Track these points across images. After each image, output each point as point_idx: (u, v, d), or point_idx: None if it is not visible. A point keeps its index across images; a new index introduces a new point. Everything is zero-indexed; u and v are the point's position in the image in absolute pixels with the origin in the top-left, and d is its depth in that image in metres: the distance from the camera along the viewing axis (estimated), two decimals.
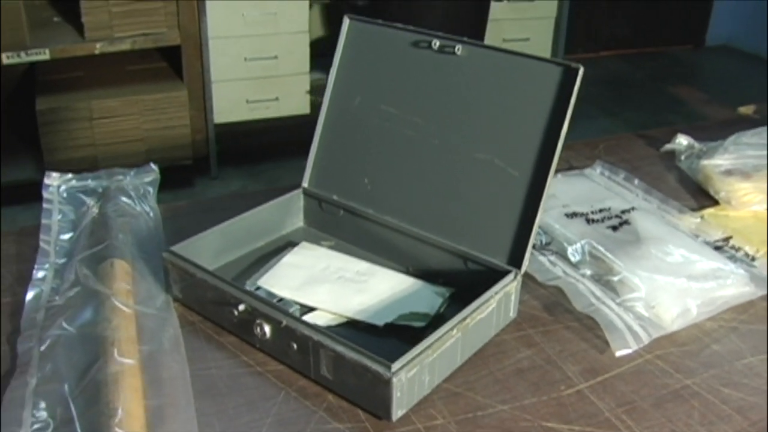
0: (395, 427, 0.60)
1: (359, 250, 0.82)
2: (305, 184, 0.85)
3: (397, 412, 0.60)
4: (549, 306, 0.76)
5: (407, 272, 0.78)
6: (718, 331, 0.74)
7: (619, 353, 0.69)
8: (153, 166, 0.93)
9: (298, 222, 0.87)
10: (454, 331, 0.63)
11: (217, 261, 0.78)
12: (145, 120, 2.44)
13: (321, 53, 2.85)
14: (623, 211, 0.87)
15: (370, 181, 0.82)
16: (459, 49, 0.76)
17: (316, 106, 2.87)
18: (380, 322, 0.70)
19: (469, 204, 0.75)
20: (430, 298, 0.74)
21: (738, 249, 0.83)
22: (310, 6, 2.71)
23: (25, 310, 0.71)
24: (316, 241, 0.84)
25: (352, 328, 0.70)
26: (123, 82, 2.48)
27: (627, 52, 4.60)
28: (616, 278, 0.75)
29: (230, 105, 2.64)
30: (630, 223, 0.85)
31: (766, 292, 0.77)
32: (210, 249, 0.76)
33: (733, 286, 0.76)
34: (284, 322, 0.63)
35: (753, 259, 0.81)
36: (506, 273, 0.71)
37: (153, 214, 0.86)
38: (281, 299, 0.70)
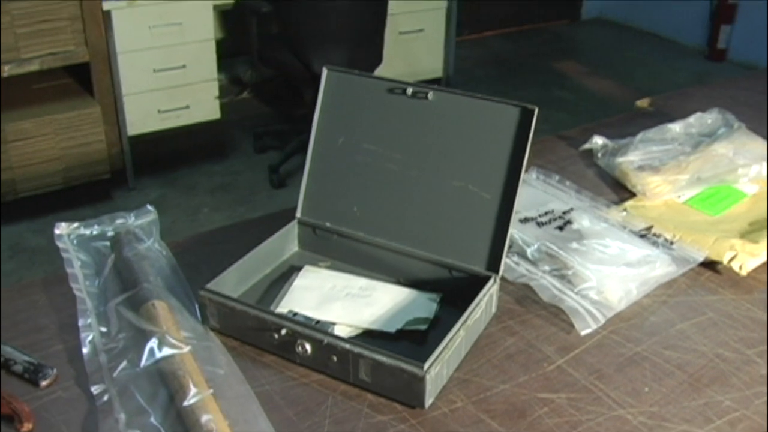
0: (427, 413, 0.77)
1: (354, 268, 0.97)
2: (299, 215, 1.00)
3: (428, 401, 0.77)
4: (520, 300, 0.94)
5: (400, 283, 0.95)
6: (652, 305, 0.94)
7: (583, 332, 0.88)
8: (150, 207, 1.05)
9: (294, 247, 1.01)
10: (461, 331, 0.81)
11: (238, 290, 0.92)
12: (60, 139, 2.48)
13: (223, 55, 2.94)
14: (564, 212, 1.07)
15: (359, 208, 0.97)
16: (430, 95, 0.92)
17: (225, 110, 2.98)
18: (392, 329, 0.86)
19: (450, 223, 0.92)
20: (425, 304, 0.91)
21: (659, 236, 1.04)
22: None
23: (85, 355, 0.82)
24: (313, 262, 0.99)
25: (369, 336, 0.86)
26: (34, 102, 2.50)
27: (509, 31, 4.89)
28: (570, 272, 0.95)
29: (143, 116, 2.70)
30: (572, 222, 1.04)
31: (685, 270, 0.99)
32: (232, 282, 0.90)
33: (660, 268, 0.97)
34: (325, 340, 0.79)
35: (671, 243, 1.03)
36: (486, 278, 0.89)
37: (165, 253, 0.99)
38: (318, 321, 0.85)
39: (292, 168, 2.95)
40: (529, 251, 0.99)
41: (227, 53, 3.14)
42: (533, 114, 0.87)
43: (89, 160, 2.58)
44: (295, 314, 0.86)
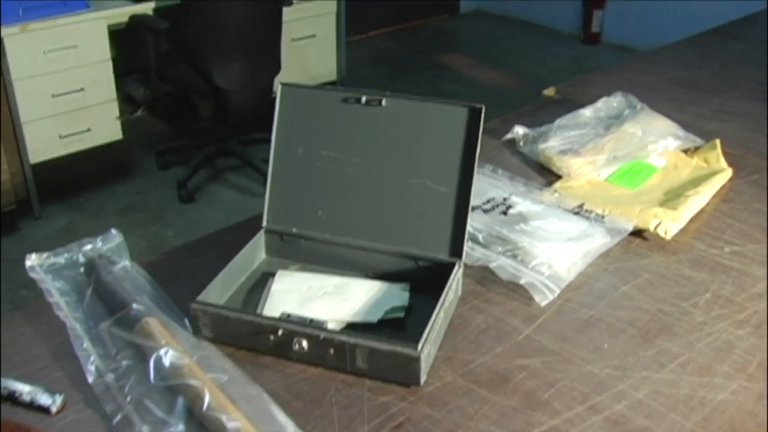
0: (423, 389, 0.85)
1: (323, 268, 1.04)
2: (265, 224, 1.06)
3: (423, 379, 0.85)
4: (481, 281, 1.04)
5: (370, 277, 1.02)
6: (596, 273, 1.06)
7: (543, 303, 0.99)
8: (114, 231, 1.08)
9: (262, 255, 1.07)
10: (440, 313, 0.89)
11: (222, 300, 0.97)
12: None
13: (114, 74, 2.92)
14: (504, 199, 1.17)
15: (324, 212, 1.04)
16: (384, 101, 1.00)
17: (123, 130, 2.95)
18: (374, 319, 0.94)
19: (412, 217, 1.01)
20: (398, 293, 0.99)
21: (590, 212, 1.16)
22: None
23: (91, 379, 0.86)
24: (283, 267, 1.05)
25: (352, 329, 0.94)
26: None
27: (392, 30, 5.03)
28: (521, 251, 1.05)
29: (44, 143, 2.65)
30: (512, 206, 1.15)
31: (618, 240, 1.11)
32: (216, 293, 0.95)
33: (597, 239, 1.09)
34: (322, 336, 0.86)
35: (603, 217, 1.15)
36: (451, 264, 0.98)
37: (140, 272, 1.02)
38: (312, 320, 0.91)
39: (199, 182, 2.96)
40: (480, 237, 1.09)
41: (118, 72, 3.11)
42: (481, 112, 0.97)
43: None
44: (288, 315, 0.92)
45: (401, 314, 0.95)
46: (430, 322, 0.87)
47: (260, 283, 1.02)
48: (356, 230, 1.03)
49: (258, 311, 0.95)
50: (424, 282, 0.99)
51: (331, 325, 0.93)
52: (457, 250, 0.99)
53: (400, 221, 1.01)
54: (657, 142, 1.32)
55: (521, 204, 1.16)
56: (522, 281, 1.01)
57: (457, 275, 0.96)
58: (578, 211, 1.17)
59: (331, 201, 1.04)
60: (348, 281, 1.01)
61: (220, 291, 0.96)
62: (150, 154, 3.18)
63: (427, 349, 0.85)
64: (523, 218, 1.12)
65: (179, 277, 1.03)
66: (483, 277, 1.05)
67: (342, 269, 1.04)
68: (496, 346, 0.92)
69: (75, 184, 2.97)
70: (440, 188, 1.00)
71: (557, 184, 1.26)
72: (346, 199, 1.03)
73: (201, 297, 0.91)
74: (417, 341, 0.84)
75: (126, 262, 1.05)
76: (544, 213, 1.13)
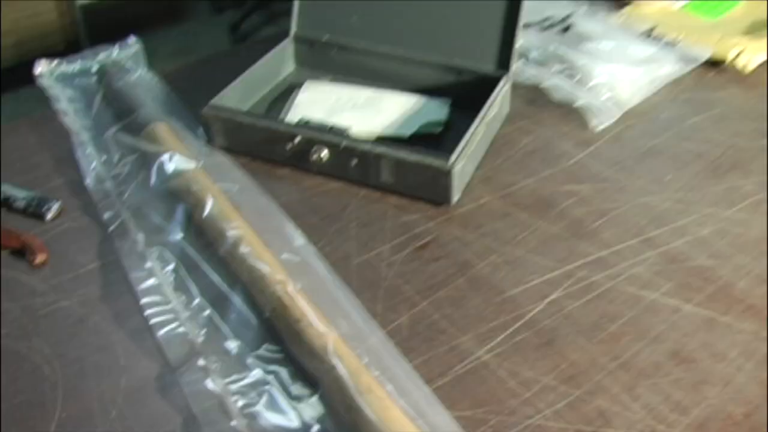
0: (454, 209, 0.74)
1: (357, 80, 0.92)
2: (294, 30, 0.93)
3: (455, 197, 0.74)
4: (532, 101, 0.90)
5: (407, 91, 0.90)
6: (663, 102, 0.91)
7: (599, 128, 0.85)
8: (132, 38, 0.97)
9: (291, 66, 0.95)
10: (480, 127, 0.77)
11: (241, 107, 0.86)
12: (7, 11, 2.31)
13: None
14: (564, 18, 1.02)
15: (358, 17, 0.91)
16: None
17: None
18: (407, 133, 0.82)
19: (455, 22, 0.87)
20: (436, 108, 0.86)
21: (662, 36, 1.00)
22: None
23: (90, 184, 0.77)
24: (314, 79, 0.93)
25: (382, 142, 0.82)
26: None
27: None
28: (579, 72, 0.91)
29: None
30: (573, 26, 1.00)
31: (691, 68, 0.95)
32: (233, 100, 0.84)
33: (667, 65, 0.94)
34: (343, 143, 0.74)
35: (675, 43, 0.99)
36: (497, 78, 0.84)
37: (157, 81, 0.92)
38: (332, 126, 0.80)
39: (254, 25, 2.82)
40: (535, 54, 0.94)
41: None
42: None
43: (41, 33, 2.43)
44: (307, 122, 0.81)
45: (438, 129, 0.83)
46: (467, 134, 0.75)
47: (286, 94, 0.91)
48: (394, 38, 0.89)
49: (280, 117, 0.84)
50: (468, 97, 0.86)
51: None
52: (504, 62, 0.85)
53: (442, 28, 0.87)
54: None
55: (584, 23, 1.00)
56: (578, 103, 0.87)
57: (502, 90, 0.83)
58: (648, 33, 1.01)
59: (365, 4, 0.90)
60: (382, 94, 0.89)
61: (238, 98, 0.85)
62: None
63: (462, 163, 0.73)
64: (584, 38, 0.97)
65: (198, 89, 0.92)
66: (534, 97, 0.91)
67: (377, 81, 0.91)
68: (543, 169, 0.80)
69: (125, 26, 2.85)
70: None
71: (628, 8, 1.10)
72: (383, 2, 0.89)
73: (214, 101, 0.80)
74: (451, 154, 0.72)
75: (142, 71, 0.94)
76: (609, 33, 0.97)
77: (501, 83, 0.83)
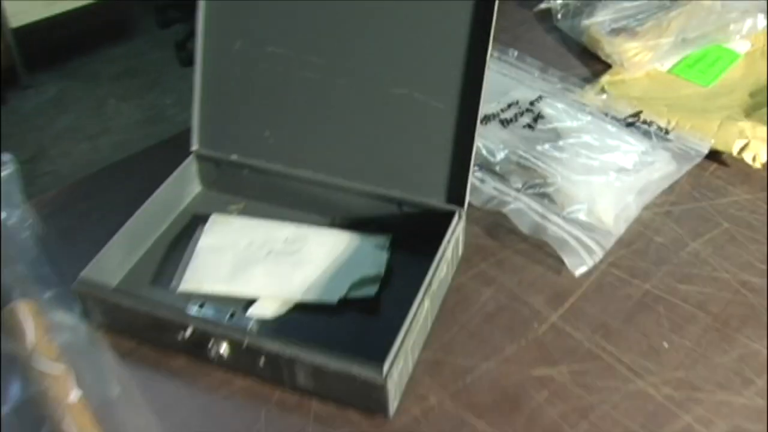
0: (394, 420, 0.56)
1: (276, 208, 0.73)
2: (195, 147, 0.74)
3: (393, 407, 0.56)
4: (491, 230, 0.72)
5: (336, 224, 0.71)
6: (655, 220, 0.73)
7: (578, 272, 0.67)
8: (4, 157, 0.77)
9: (196, 188, 0.76)
10: (425, 302, 0.59)
11: (127, 265, 0.67)
12: None
13: None
14: (532, 103, 0.83)
15: (272, 133, 0.72)
16: None
17: None
18: (333, 300, 0.63)
19: (393, 144, 0.68)
20: (372, 253, 0.68)
21: (650, 123, 0.82)
22: None
23: None
24: (223, 205, 0.74)
25: (304, 310, 0.64)
26: None
27: None
28: (551, 189, 0.72)
29: (24, 4, 2.29)
30: (543, 116, 0.81)
31: (687, 169, 0.77)
32: (116, 258, 0.65)
33: (659, 168, 0.76)
34: (246, 341, 0.56)
35: (667, 132, 0.80)
36: (448, 213, 0.66)
37: (27, 222, 0.72)
38: (233, 313, 0.61)
39: None
40: (496, 161, 0.76)
41: None
42: None
43: None
44: (203, 304, 0.62)
45: (374, 288, 0.65)
46: (406, 322, 0.56)
47: (189, 229, 0.72)
48: (317, 160, 0.70)
49: (175, 282, 0.65)
50: (412, 233, 0.68)
51: (270, 307, 0.63)
52: (457, 194, 0.66)
53: (377, 149, 0.69)
54: (742, 20, 0.95)
55: (554, 112, 0.81)
56: (548, 236, 0.69)
57: (454, 233, 0.65)
58: (633, 122, 0.82)
59: (281, 117, 0.71)
60: (304, 233, 0.70)
61: (124, 251, 0.66)
62: (149, 11, 2.80)
63: (400, 366, 0.55)
64: (555, 135, 0.78)
65: (83, 223, 0.73)
66: (494, 223, 0.73)
67: (301, 210, 0.73)
68: (507, 343, 0.62)
69: (66, 48, 2.62)
70: (434, 102, 0.66)
71: (605, 78, 0.91)
72: (301, 115, 0.70)
73: (88, 271, 0.61)
74: (383, 354, 0.53)
75: (14, 208, 0.74)
76: (586, 127, 0.79)
77: (452, 226, 0.64)
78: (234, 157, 0.73)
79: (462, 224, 0.66)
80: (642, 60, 0.92)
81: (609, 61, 0.94)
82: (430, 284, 0.60)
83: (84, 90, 2.45)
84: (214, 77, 0.72)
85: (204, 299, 0.63)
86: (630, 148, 0.77)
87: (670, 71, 0.93)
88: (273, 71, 0.70)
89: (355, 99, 0.68)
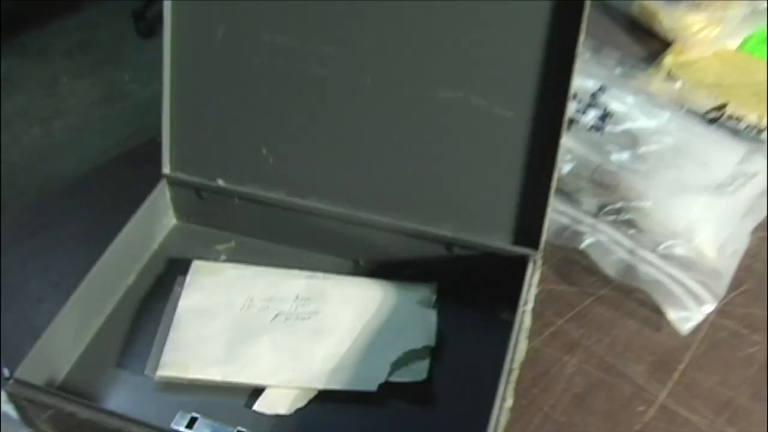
0: None
1: (277, 248, 0.55)
2: (167, 170, 0.55)
3: None
4: (563, 271, 0.55)
5: (359, 271, 0.53)
6: (760, 247, 0.57)
7: (685, 329, 0.50)
8: None
9: (170, 222, 0.57)
10: (508, 398, 0.41)
11: (82, 341, 0.48)
12: None
13: None
14: (593, 95, 0.65)
15: (271, 151, 0.53)
16: None
17: None
18: (371, 387, 0.46)
19: (440, 165, 0.50)
20: (416, 312, 0.50)
21: (738, 119, 0.65)
22: None
23: None
24: (206, 246, 0.56)
25: (329, 400, 0.46)
26: None
27: None
28: (639, 215, 0.55)
29: None
30: (610, 113, 0.63)
31: None
32: (68, 334, 0.47)
33: (762, 181, 0.59)
34: None
35: (759, 131, 0.63)
36: (516, 259, 0.48)
37: None
38: None
39: (160, 12, 2.36)
40: (560, 177, 0.58)
41: None
42: None
43: None
44: (193, 421, 0.43)
45: (423, 372, 0.47)
46: (492, 417, 0.39)
47: (165, 280, 0.53)
48: (332, 186, 0.52)
49: (148, 368, 0.47)
50: (459, 284, 0.51)
51: (283, 402, 0.45)
52: (529, 232, 0.49)
53: (419, 172, 0.51)
54: None
55: (624, 108, 0.63)
56: (643, 281, 0.52)
57: (531, 286, 0.47)
58: (716, 117, 0.65)
59: (282, 131, 0.52)
60: (322, 286, 0.52)
61: (78, 325, 0.48)
62: None
63: None
64: (632, 139, 0.60)
65: (24, 277, 0.54)
66: (568, 261, 0.55)
67: (309, 249, 0.55)
68: None
69: (12, 21, 2.36)
70: (500, 109, 0.48)
71: (668, 59, 0.73)
72: (312, 126, 0.52)
73: (25, 366, 0.43)
74: None
75: None
76: (667, 128, 0.61)
77: (528, 276, 0.47)
78: (220, 182, 0.54)
79: (537, 274, 0.48)
80: (708, 36, 0.74)
81: (667, 37, 0.76)
82: (510, 368, 0.42)
83: (36, 67, 2.20)
84: (189, 77, 0.53)
85: (191, 395, 0.45)
86: (725, 154, 0.59)
87: (741, 47, 0.76)
88: (271, 67, 0.51)
89: (385, 104, 0.50)
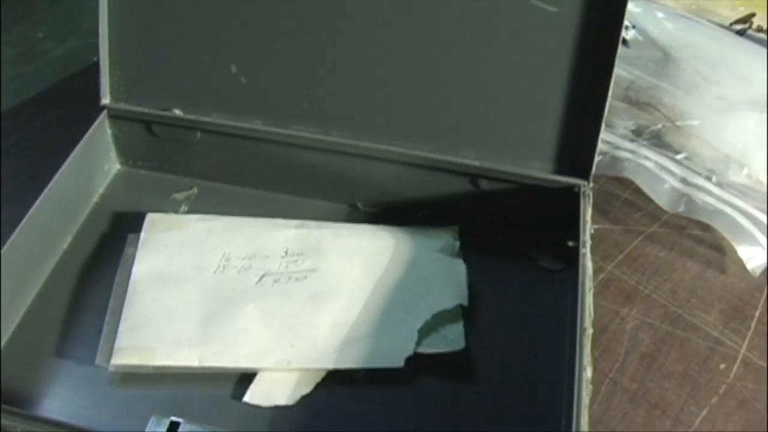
0: None
1: (250, 191, 0.43)
2: (107, 101, 0.42)
3: None
4: (601, 206, 0.44)
5: (360, 217, 0.42)
6: None
7: (758, 269, 0.41)
8: None
9: (113, 166, 0.44)
10: (587, 371, 0.31)
11: (7, 326, 0.35)
12: None
13: None
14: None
15: (242, 69, 0.41)
16: None
17: None
18: (398, 363, 0.34)
19: (460, 76, 0.39)
20: (440, 264, 0.39)
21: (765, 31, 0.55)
22: None
23: None
24: (162, 196, 0.43)
25: (341, 382, 0.35)
26: None
27: None
28: (683, 136, 0.45)
29: None
30: (632, 24, 0.53)
31: None
32: None
33: None
34: None
35: None
36: (559, 191, 0.38)
37: None
38: None
39: None
40: None
41: None
42: None
43: None
44: (176, 426, 0.31)
45: (460, 340, 0.36)
46: (574, 411, 0.29)
47: (111, 241, 0.40)
48: (323, 110, 0.40)
49: (100, 356, 0.34)
50: (490, 224, 0.40)
51: (283, 388, 0.34)
52: (576, 159, 0.38)
53: (431, 87, 0.39)
54: None
55: (645, 15, 0.53)
56: (702, 213, 0.42)
57: (586, 221, 0.37)
58: (743, 29, 0.56)
59: (259, 41, 0.40)
60: (316, 236, 0.40)
61: (8, 297, 0.35)
62: None
63: None
64: (662, 52, 0.50)
65: None
66: (607, 194, 0.45)
67: (297, 194, 0.43)
68: (689, 404, 0.35)
69: None
70: (542, 3, 0.37)
71: None
72: (295, 33, 0.40)
73: None
74: None
75: None
76: (698, 41, 0.51)
77: (582, 212, 0.36)
78: (177, 112, 0.41)
79: (590, 209, 0.38)
80: None
81: None
82: (582, 326, 0.32)
83: None
84: None
85: (160, 390, 0.33)
86: (763, 69, 0.50)
87: None
88: None
89: (387, 2, 0.38)
